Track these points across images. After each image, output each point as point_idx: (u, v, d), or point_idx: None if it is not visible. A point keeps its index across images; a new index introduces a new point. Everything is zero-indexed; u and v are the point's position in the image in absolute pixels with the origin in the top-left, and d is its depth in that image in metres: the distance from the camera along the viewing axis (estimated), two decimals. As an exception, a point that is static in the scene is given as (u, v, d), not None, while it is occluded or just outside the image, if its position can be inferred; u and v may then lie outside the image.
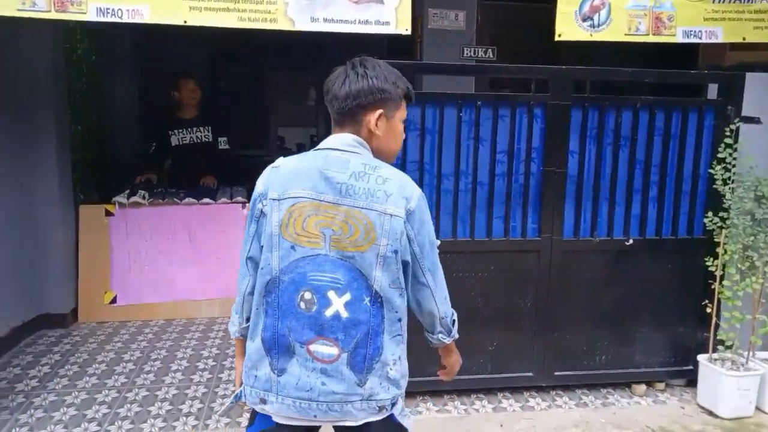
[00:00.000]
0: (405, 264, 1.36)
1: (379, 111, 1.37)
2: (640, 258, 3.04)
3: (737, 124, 2.95)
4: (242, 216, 4.09)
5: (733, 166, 2.93)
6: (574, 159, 2.95)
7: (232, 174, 4.48)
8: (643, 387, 3.14)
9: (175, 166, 4.49)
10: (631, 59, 3.91)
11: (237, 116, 7.26)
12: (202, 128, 4.36)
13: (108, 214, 4.04)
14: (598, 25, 2.98)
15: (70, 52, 4.23)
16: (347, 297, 1.32)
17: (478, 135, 2.85)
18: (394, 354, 1.37)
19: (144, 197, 4.06)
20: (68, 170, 3.98)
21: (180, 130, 4.34)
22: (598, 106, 2.92)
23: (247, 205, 4.09)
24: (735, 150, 2.94)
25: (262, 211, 1.37)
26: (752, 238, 2.88)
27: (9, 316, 3.49)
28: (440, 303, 1.44)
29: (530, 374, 3.05)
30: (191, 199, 4.08)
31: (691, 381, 3.13)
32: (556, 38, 2.98)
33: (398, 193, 1.32)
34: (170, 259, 4.06)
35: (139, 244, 4.04)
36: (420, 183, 2.84)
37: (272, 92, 7.58)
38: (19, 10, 2.62)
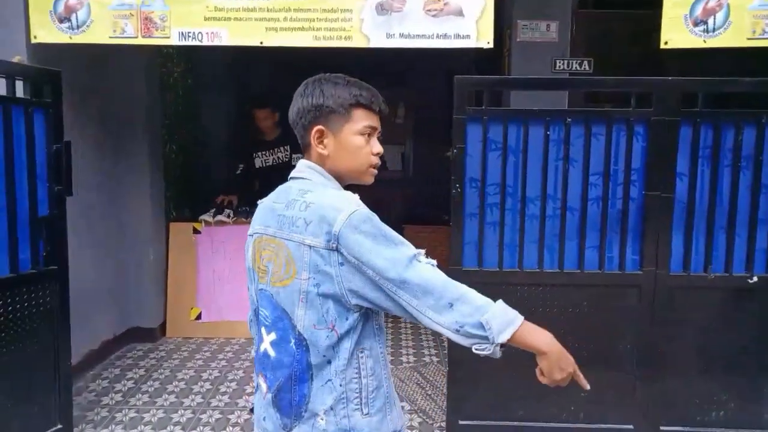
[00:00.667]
0: (351, 301, 1.17)
1: (317, 128, 1.27)
2: (767, 298, 2.58)
3: None
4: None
5: None
6: (683, 182, 2.57)
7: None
8: (770, 451, 2.65)
9: (261, 186, 4.55)
10: (749, 69, 3.42)
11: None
12: (282, 148, 4.41)
13: (195, 231, 4.15)
14: (714, 30, 2.61)
15: (167, 76, 4.44)
16: (273, 336, 1.26)
17: (568, 155, 2.57)
18: (325, 403, 1.21)
19: (229, 216, 4.13)
20: (161, 188, 4.15)
21: (263, 152, 4.39)
22: (713, 122, 2.53)
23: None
24: None
25: None
26: None
27: (101, 330, 3.66)
28: (438, 315, 1.14)
29: (630, 426, 2.67)
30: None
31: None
32: (662, 46, 2.64)
33: (319, 220, 1.16)
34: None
35: (223, 262, 4.11)
36: (501, 207, 2.60)
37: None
38: (111, 37, 2.74)
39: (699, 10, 2.60)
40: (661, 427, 2.67)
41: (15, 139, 2.36)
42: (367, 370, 1.23)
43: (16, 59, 2.69)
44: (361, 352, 1.22)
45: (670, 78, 2.52)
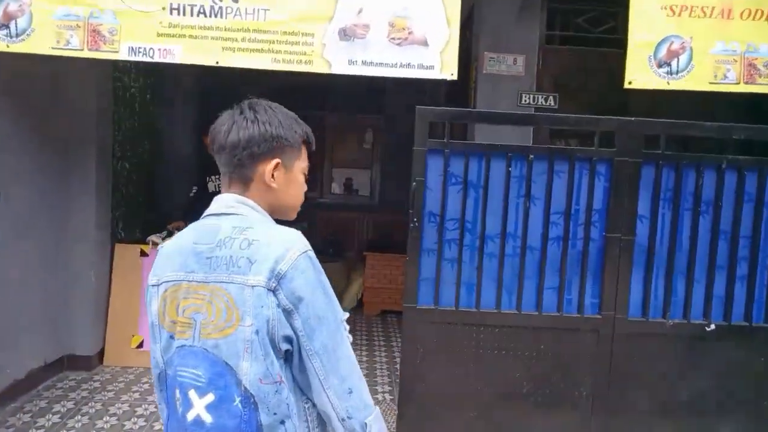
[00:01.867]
0: (282, 348, 1.07)
1: (276, 161, 1.18)
2: (724, 347, 2.53)
3: None
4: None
5: None
6: (643, 225, 2.52)
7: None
8: (726, 506, 2.57)
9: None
10: (715, 110, 3.46)
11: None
12: None
13: (143, 254, 3.93)
14: (677, 72, 2.60)
15: (123, 90, 4.25)
16: (209, 398, 1.08)
17: (530, 192, 2.50)
18: None
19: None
20: (107, 208, 3.93)
21: (216, 176, 4.22)
22: (675, 165, 2.50)
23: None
24: None
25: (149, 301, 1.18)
26: None
27: (29, 358, 3.38)
28: (336, 398, 1.08)
29: (584, 476, 2.56)
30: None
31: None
32: (626, 85, 2.62)
33: (265, 257, 1.06)
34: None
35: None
36: (460, 244, 2.50)
37: (327, 134, 7.51)
38: (53, 48, 2.58)
39: (663, 52, 2.60)
40: (617, 477, 2.57)
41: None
42: (314, 422, 1.13)
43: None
44: (306, 403, 1.12)
45: (633, 119, 2.48)
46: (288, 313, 1.06)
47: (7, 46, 2.55)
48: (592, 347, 2.54)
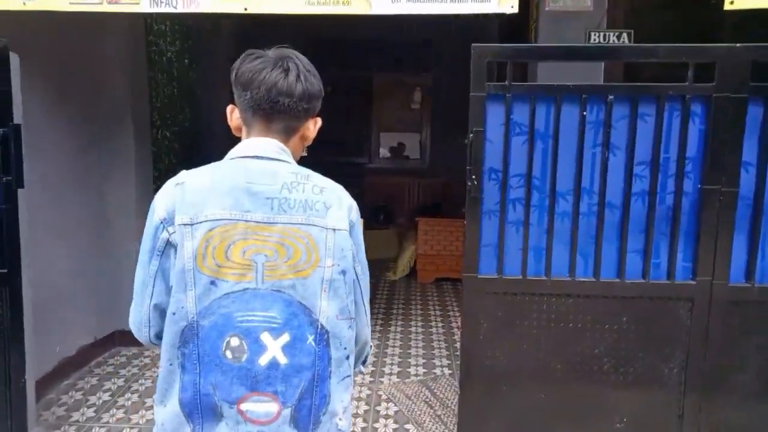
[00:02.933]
0: (354, 286, 1.18)
1: (318, 119, 1.25)
2: None
3: None
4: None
5: None
6: (749, 174, 2.12)
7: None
8: None
9: None
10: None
11: (332, 121, 6.98)
12: None
13: (187, 226, 3.80)
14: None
15: (159, 55, 4.07)
16: (285, 338, 1.09)
17: (609, 140, 2.13)
18: (344, 401, 1.16)
19: (223, 209, 3.76)
20: (149, 179, 3.80)
21: None
22: (789, 100, 2.07)
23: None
24: None
25: (168, 242, 1.07)
26: None
27: (78, 335, 3.33)
28: (368, 327, 1.25)
29: (676, 463, 2.25)
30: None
31: None
32: (727, 6, 2.17)
33: (339, 204, 1.14)
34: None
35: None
36: (527, 203, 2.18)
37: (374, 95, 7.19)
38: (71, 3, 2.37)
39: (771, -37, 2.13)
40: (715, 464, 2.24)
41: (-50, 122, 2.00)
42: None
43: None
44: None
45: (737, 45, 2.05)
46: (354, 258, 1.16)
47: (24, 4, 2.36)
48: (684, 318, 2.19)
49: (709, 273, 2.15)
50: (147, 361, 3.47)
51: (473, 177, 2.13)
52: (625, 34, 3.35)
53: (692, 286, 2.16)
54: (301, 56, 1.18)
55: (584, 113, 2.12)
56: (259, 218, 1.07)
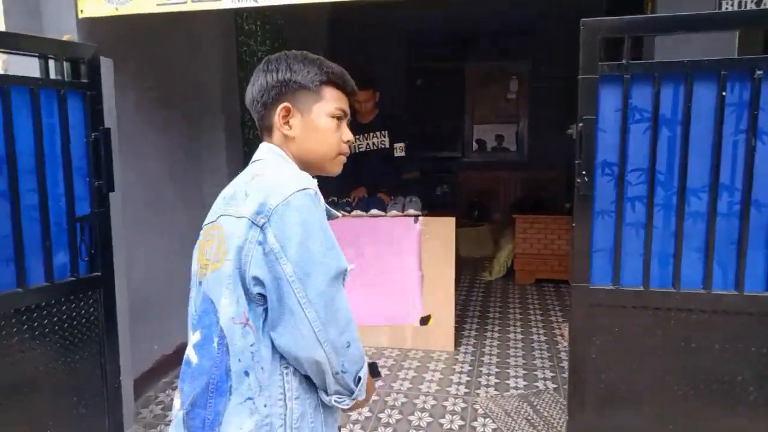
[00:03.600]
0: (253, 290, 1.00)
1: (282, 105, 1.13)
2: None
3: None
4: (416, 231, 3.47)
5: None
6: None
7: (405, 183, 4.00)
8: None
9: (357, 173, 4.07)
10: None
11: (426, 116, 6.77)
12: (379, 133, 3.90)
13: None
14: None
15: (250, 55, 4.08)
16: (197, 336, 1.07)
17: (756, 126, 1.75)
18: (242, 428, 1.00)
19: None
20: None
21: (357, 137, 3.92)
22: None
23: (420, 218, 3.47)
24: None
25: None
26: None
27: (178, 331, 3.39)
28: (335, 352, 1.02)
29: None
30: (359, 212, 3.59)
31: None
32: None
33: (257, 191, 1.02)
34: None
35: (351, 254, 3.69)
36: (650, 202, 1.85)
37: (467, 87, 6.89)
38: (158, 5, 2.37)
39: None
40: None
41: (46, 129, 2.03)
42: (293, 392, 1.05)
43: (65, 38, 2.40)
44: (286, 367, 1.04)
45: None
46: (274, 255, 0.98)
47: (116, 9, 2.39)
48: None
49: None
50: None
51: (583, 172, 1.84)
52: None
53: None
54: (275, 56, 1.17)
55: (723, 93, 1.75)
56: (212, 218, 1.09)
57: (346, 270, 1.04)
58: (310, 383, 1.07)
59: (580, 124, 1.84)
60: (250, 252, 0.99)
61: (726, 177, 1.81)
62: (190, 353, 1.08)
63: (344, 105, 1.19)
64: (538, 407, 2.79)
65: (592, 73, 1.82)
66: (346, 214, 3.61)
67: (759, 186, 1.78)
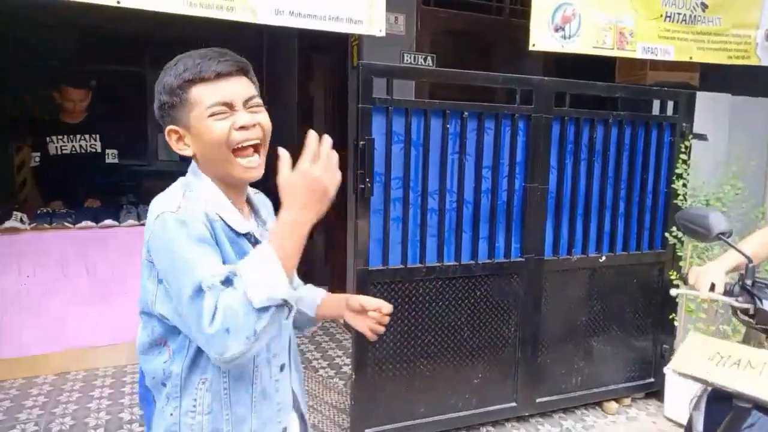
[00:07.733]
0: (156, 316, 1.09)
1: (169, 128, 1.09)
2: (610, 274, 3.00)
3: (691, 141, 3.04)
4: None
5: (688, 181, 3.02)
6: (553, 175, 2.82)
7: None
8: (614, 405, 3.10)
9: (47, 181, 3.65)
10: (560, 71, 3.94)
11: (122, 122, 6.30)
12: (88, 136, 3.63)
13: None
14: (569, 36, 2.90)
15: None
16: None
17: (465, 149, 2.60)
18: None
19: (22, 221, 3.20)
20: None
21: (60, 137, 3.56)
22: (575, 120, 2.83)
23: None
24: (689, 166, 3.03)
25: None
26: (708, 251, 2.97)
27: None
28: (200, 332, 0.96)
29: (514, 405, 2.86)
30: (89, 222, 3.30)
31: (650, 394, 3.19)
32: (531, 47, 2.84)
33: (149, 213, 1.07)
34: (62, 299, 3.24)
35: (18, 283, 3.17)
36: (405, 202, 2.51)
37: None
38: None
39: (559, 18, 2.85)
40: (537, 400, 2.92)
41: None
42: (204, 407, 1.05)
43: None
44: (203, 383, 1.05)
45: (547, 78, 2.73)
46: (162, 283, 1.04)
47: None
48: (517, 288, 2.79)
49: (533, 251, 2.79)
50: None
51: (366, 180, 2.38)
52: (430, 57, 3.95)
53: (521, 262, 2.78)
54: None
55: (447, 126, 2.54)
56: None
57: (209, 284, 0.96)
58: (229, 402, 1.07)
59: (362, 142, 2.36)
60: (155, 293, 1.07)
61: (449, 183, 2.60)
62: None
63: (219, 95, 1.03)
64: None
65: (368, 103, 2.37)
66: (70, 225, 3.27)
67: (467, 190, 2.63)
